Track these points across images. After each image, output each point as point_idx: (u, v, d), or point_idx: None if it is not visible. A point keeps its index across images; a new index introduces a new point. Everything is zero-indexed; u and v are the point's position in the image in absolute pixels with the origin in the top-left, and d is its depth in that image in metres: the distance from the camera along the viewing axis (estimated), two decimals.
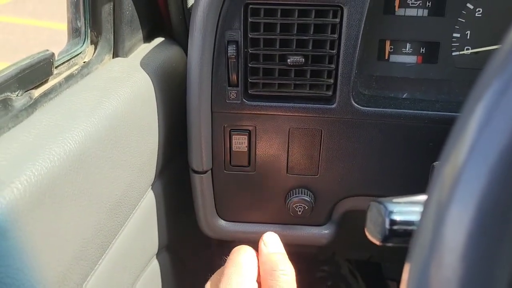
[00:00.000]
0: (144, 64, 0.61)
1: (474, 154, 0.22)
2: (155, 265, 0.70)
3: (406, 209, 0.35)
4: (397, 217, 0.35)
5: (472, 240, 0.21)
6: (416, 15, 0.67)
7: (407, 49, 0.68)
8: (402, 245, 0.37)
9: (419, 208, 0.35)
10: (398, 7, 0.66)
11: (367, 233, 0.38)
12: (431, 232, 0.23)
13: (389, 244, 0.37)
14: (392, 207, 0.36)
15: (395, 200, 0.36)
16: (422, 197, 0.37)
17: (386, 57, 0.69)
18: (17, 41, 3.33)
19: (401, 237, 0.35)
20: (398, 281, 1.27)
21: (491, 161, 0.22)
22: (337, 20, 0.58)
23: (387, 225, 0.35)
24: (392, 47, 0.69)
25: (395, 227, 0.35)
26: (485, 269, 0.21)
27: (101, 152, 0.48)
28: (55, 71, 0.51)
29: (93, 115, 0.48)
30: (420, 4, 0.65)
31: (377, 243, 0.37)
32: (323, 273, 1.24)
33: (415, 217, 0.35)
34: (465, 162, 0.23)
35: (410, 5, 0.66)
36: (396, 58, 0.69)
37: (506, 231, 0.21)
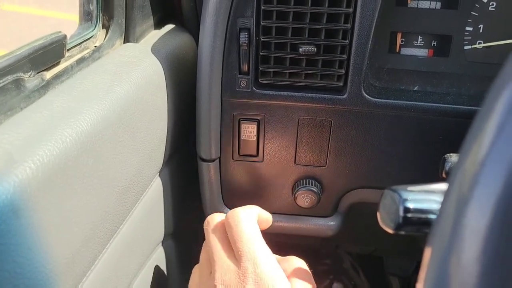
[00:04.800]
0: (155, 50, 0.61)
1: (497, 145, 0.22)
2: (160, 252, 0.70)
3: (421, 197, 0.35)
4: (411, 205, 0.35)
5: (494, 230, 0.21)
6: (429, 7, 0.66)
7: (418, 42, 0.68)
8: (415, 234, 0.36)
9: (434, 197, 0.35)
10: None
11: (379, 221, 0.38)
12: (452, 220, 0.23)
13: (402, 233, 0.36)
14: (406, 194, 0.35)
15: (410, 188, 0.36)
16: (437, 186, 0.36)
17: (397, 50, 0.68)
18: (20, 30, 3.31)
19: (414, 225, 0.35)
20: (399, 276, 1.27)
21: None
22: (351, 9, 0.58)
23: (401, 213, 0.35)
24: (404, 39, 0.68)
25: (409, 215, 0.35)
26: (507, 256, 0.21)
27: (112, 135, 0.48)
28: (67, 54, 0.51)
29: (105, 98, 0.48)
30: None
31: (390, 231, 0.37)
32: (325, 266, 1.24)
33: (429, 206, 0.35)
34: (488, 152, 0.22)
35: None
36: (407, 51, 0.68)
37: None
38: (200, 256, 0.58)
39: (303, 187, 0.67)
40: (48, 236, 0.39)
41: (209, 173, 0.68)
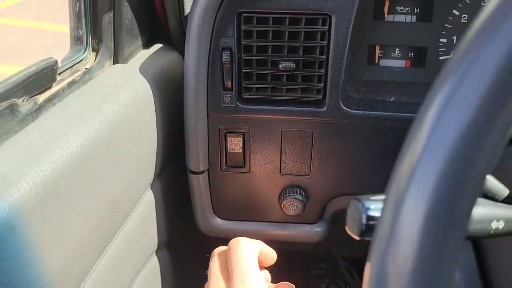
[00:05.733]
0: (143, 69, 0.64)
1: (426, 154, 0.25)
2: (154, 263, 0.73)
3: (382, 206, 0.38)
4: (373, 213, 0.38)
5: (424, 231, 0.24)
6: (404, 21, 0.69)
7: (396, 54, 0.71)
8: None
9: None
10: (387, 14, 0.69)
11: (347, 229, 0.41)
12: (389, 224, 0.26)
13: (367, 239, 0.40)
14: (369, 204, 0.38)
15: (373, 197, 0.39)
16: None
17: (376, 62, 0.72)
18: (21, 43, 3.37)
19: None
20: None
21: (441, 159, 0.24)
22: (326, 27, 0.61)
23: (364, 221, 0.38)
24: (382, 51, 0.71)
25: (371, 223, 0.38)
26: (435, 257, 0.24)
27: (101, 154, 0.51)
28: (59, 78, 0.55)
29: (94, 120, 0.51)
30: (409, 11, 0.68)
31: (356, 238, 0.40)
32: (320, 271, 1.26)
33: None
34: (418, 160, 0.26)
35: (399, 11, 0.69)
36: (385, 63, 0.71)
37: (454, 223, 0.24)
38: None
39: (289, 195, 0.71)
40: (42, 251, 0.42)
41: (199, 185, 0.72)
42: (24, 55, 3.08)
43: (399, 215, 0.25)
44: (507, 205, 0.40)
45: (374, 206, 0.39)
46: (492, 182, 0.43)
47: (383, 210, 0.27)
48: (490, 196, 0.44)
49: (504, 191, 0.44)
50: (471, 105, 0.24)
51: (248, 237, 0.77)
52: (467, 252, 0.58)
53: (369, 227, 0.39)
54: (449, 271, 0.25)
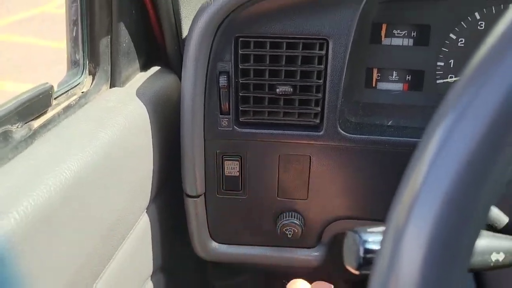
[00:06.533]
0: (140, 93, 0.64)
1: (426, 185, 0.25)
2: (150, 287, 0.71)
3: (380, 239, 0.37)
4: (370, 246, 0.37)
5: (425, 264, 0.24)
6: (401, 44, 0.69)
7: (393, 77, 0.71)
8: None
9: None
10: (384, 37, 0.69)
11: (344, 262, 0.40)
12: (389, 257, 0.25)
13: (366, 272, 0.39)
14: (366, 236, 0.38)
15: (370, 229, 0.38)
16: None
17: (373, 85, 0.72)
18: (20, 60, 3.38)
19: None
20: None
21: (443, 191, 0.24)
22: (323, 52, 0.61)
23: (361, 254, 0.37)
24: (379, 75, 0.71)
25: (369, 256, 0.37)
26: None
27: (96, 179, 0.50)
28: (54, 102, 0.54)
29: (89, 145, 0.51)
30: (405, 34, 0.68)
31: (353, 271, 0.39)
32: None
33: None
34: (419, 191, 0.25)
35: (396, 35, 0.69)
36: (383, 86, 0.71)
37: (456, 256, 0.24)
38: None
39: (286, 220, 0.70)
40: (34, 282, 0.41)
41: (195, 208, 0.71)
42: (24, 71, 3.09)
43: (399, 249, 0.25)
44: (506, 236, 0.39)
45: (372, 238, 0.38)
46: (491, 210, 0.43)
47: (382, 242, 0.27)
48: (489, 225, 0.43)
49: (503, 219, 0.43)
50: (475, 135, 0.24)
51: (245, 260, 0.76)
52: (469, 284, 0.57)
53: (366, 260, 0.38)
54: None
